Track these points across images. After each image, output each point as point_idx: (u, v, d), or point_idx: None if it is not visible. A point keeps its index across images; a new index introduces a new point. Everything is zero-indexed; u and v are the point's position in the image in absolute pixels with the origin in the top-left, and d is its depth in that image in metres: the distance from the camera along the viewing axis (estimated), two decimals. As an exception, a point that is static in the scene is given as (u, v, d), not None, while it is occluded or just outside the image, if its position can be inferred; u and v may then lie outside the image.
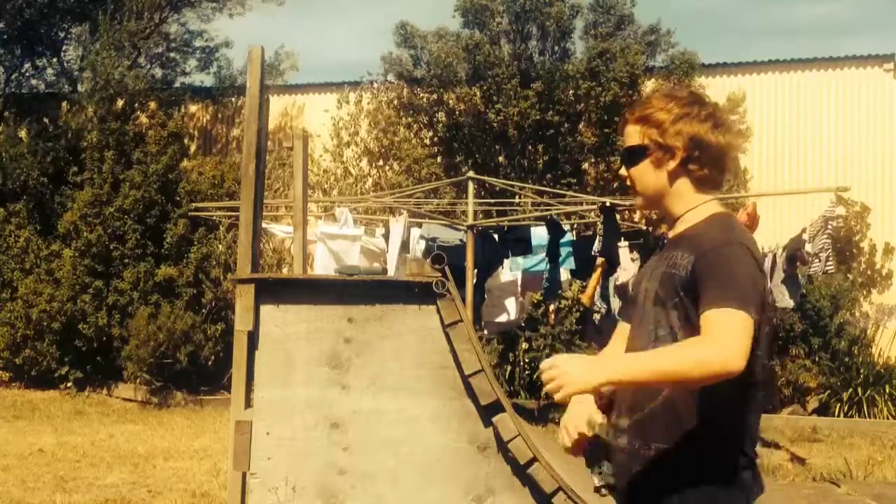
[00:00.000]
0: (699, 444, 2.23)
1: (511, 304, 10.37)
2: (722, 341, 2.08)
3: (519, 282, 10.29)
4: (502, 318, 10.41)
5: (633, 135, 2.38)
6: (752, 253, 2.26)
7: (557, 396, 2.08)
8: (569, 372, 2.06)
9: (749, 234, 2.37)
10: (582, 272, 9.62)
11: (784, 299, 8.99)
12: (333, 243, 8.96)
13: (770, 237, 11.19)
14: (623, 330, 2.51)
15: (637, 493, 2.31)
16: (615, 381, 2.11)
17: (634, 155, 2.38)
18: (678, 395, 2.23)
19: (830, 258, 8.02)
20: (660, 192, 2.37)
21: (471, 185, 9.50)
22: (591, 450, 2.30)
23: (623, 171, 2.44)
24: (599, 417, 2.29)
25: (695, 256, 2.23)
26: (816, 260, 8.02)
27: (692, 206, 2.35)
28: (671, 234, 2.42)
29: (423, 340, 3.53)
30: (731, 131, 2.37)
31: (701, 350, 2.09)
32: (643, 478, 2.28)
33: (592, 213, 10.07)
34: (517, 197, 11.81)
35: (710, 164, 2.34)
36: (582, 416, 2.31)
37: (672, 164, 2.33)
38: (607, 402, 2.34)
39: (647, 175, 2.37)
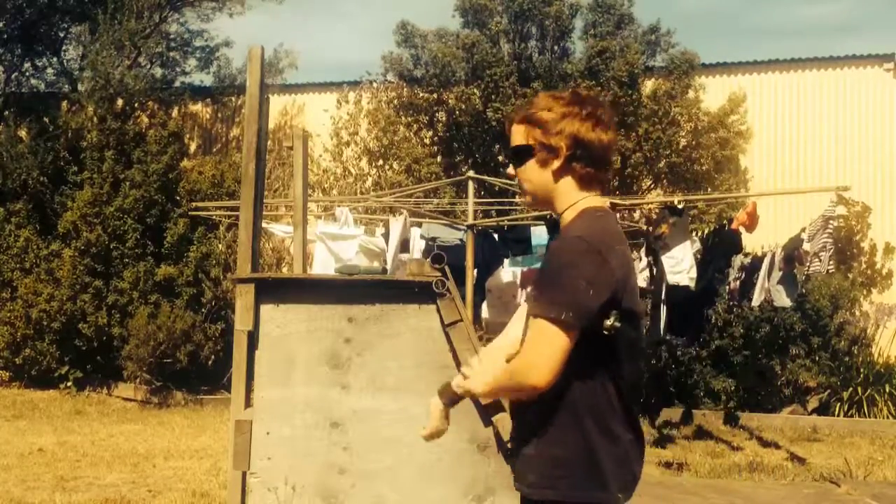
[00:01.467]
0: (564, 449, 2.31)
1: (511, 303, 10.37)
2: (526, 355, 2.21)
3: (519, 281, 10.29)
4: (502, 318, 10.41)
5: (518, 135, 2.42)
6: (600, 251, 2.22)
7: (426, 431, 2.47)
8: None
9: (613, 230, 2.37)
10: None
11: (781, 299, 8.99)
12: (333, 243, 8.97)
13: (770, 237, 11.20)
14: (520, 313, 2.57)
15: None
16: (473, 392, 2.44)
17: (521, 155, 2.42)
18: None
19: (830, 256, 8.02)
20: (547, 191, 2.41)
21: (471, 185, 9.50)
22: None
23: (511, 171, 2.47)
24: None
25: (546, 255, 2.35)
26: (817, 260, 8.01)
27: (570, 205, 2.39)
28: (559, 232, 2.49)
29: (423, 340, 3.53)
30: (613, 129, 2.42)
31: (517, 368, 2.22)
32: (521, 476, 2.37)
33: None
34: (517, 196, 11.79)
35: (593, 162, 2.38)
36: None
37: (556, 164, 2.37)
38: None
39: (533, 174, 2.40)
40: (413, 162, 13.39)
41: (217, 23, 24.91)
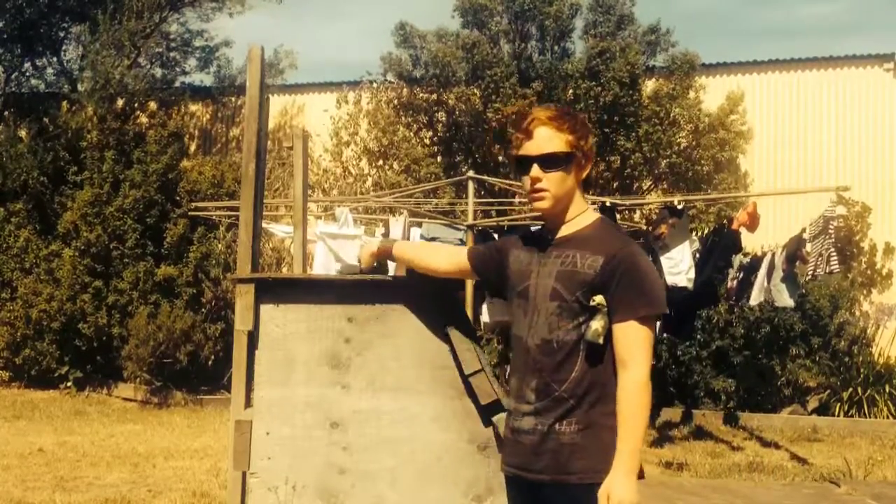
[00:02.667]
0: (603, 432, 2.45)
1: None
2: (639, 368, 2.38)
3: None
4: (502, 318, 10.41)
5: (556, 141, 2.48)
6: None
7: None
8: (626, 498, 2.34)
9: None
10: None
11: (783, 299, 8.98)
12: (333, 243, 8.97)
13: (770, 237, 11.21)
14: (451, 251, 2.94)
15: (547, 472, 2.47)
16: (637, 460, 2.40)
17: (557, 161, 2.49)
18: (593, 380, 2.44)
19: (833, 258, 8.01)
20: (569, 197, 2.53)
21: (470, 185, 9.50)
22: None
23: (536, 174, 2.50)
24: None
25: (604, 258, 2.42)
26: (820, 260, 8.01)
27: (583, 210, 2.57)
28: (558, 236, 2.56)
29: (424, 340, 3.53)
30: None
31: (638, 391, 2.38)
32: (555, 461, 2.45)
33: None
34: (517, 196, 11.80)
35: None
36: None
37: (583, 174, 2.56)
38: None
39: (562, 180, 2.50)
40: (412, 162, 13.39)
41: (217, 23, 24.90)
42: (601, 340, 2.42)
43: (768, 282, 8.89)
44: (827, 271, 8.22)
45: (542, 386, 2.46)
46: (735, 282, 9.32)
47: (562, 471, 2.44)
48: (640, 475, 2.52)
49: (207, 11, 16.42)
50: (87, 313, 12.66)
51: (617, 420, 2.40)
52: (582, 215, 2.55)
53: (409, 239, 9.52)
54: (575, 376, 2.44)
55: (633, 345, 2.39)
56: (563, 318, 2.45)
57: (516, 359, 2.58)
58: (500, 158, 13.57)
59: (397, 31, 14.02)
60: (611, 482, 2.37)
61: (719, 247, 8.74)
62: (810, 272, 8.37)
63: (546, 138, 2.47)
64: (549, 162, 2.47)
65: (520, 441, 2.52)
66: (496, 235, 10.07)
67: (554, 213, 2.55)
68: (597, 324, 2.42)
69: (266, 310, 3.59)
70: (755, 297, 9.06)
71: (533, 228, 2.92)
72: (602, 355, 2.45)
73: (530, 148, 2.49)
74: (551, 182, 2.49)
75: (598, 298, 2.42)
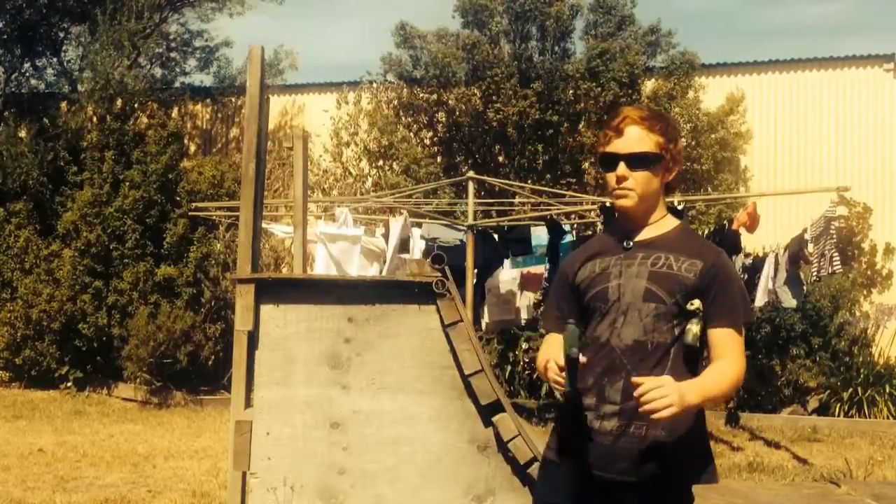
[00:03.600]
0: (691, 433, 2.46)
1: (511, 304, 10.37)
2: (741, 361, 2.47)
3: (518, 282, 10.29)
4: (502, 318, 10.41)
5: (647, 141, 2.49)
6: None
7: (666, 413, 2.26)
8: (673, 394, 2.26)
9: None
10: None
11: (788, 300, 8.96)
12: (334, 247, 8.96)
13: (771, 237, 11.19)
14: (554, 341, 2.56)
15: (633, 477, 2.43)
16: (700, 403, 2.38)
17: (646, 161, 2.49)
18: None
19: (836, 259, 8.01)
20: (654, 198, 2.54)
21: (471, 185, 9.50)
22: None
23: (623, 172, 2.49)
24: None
25: (703, 263, 2.46)
26: (823, 261, 8.01)
27: (665, 214, 2.58)
28: (639, 237, 2.55)
29: (423, 340, 3.53)
30: None
31: (738, 372, 2.46)
32: (640, 461, 2.41)
33: (592, 213, 10.06)
34: (517, 197, 11.81)
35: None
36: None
37: (669, 177, 2.55)
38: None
39: (649, 180, 2.50)
40: (412, 162, 13.39)
41: (217, 23, 24.97)
42: (698, 344, 2.45)
43: (773, 283, 8.88)
44: (830, 272, 8.22)
45: (631, 387, 2.38)
46: (739, 283, 9.30)
47: (647, 471, 2.40)
48: (711, 476, 2.52)
49: (207, 12, 16.42)
50: (87, 313, 12.65)
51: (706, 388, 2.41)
52: (664, 219, 2.56)
53: (408, 239, 9.51)
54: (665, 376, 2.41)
55: (731, 349, 2.47)
56: (659, 321, 2.44)
57: (594, 360, 2.48)
58: (501, 159, 13.56)
59: (397, 31, 14.02)
60: (674, 382, 2.30)
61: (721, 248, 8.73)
62: (815, 273, 8.37)
63: (636, 138, 2.47)
64: (638, 161, 2.47)
65: (597, 441, 2.45)
66: (496, 236, 10.06)
67: (636, 213, 2.54)
68: (696, 327, 2.44)
69: (266, 310, 3.60)
70: (760, 299, 9.05)
71: (595, 234, 2.86)
72: (696, 359, 2.49)
73: (619, 146, 2.49)
74: (637, 181, 2.48)
75: (696, 303, 2.45)
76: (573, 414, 2.50)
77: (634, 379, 2.31)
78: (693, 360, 2.48)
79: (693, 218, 11.74)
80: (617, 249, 2.55)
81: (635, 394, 2.28)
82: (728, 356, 2.45)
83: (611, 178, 2.52)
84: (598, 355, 2.49)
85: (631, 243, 2.54)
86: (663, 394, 2.25)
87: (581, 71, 13.19)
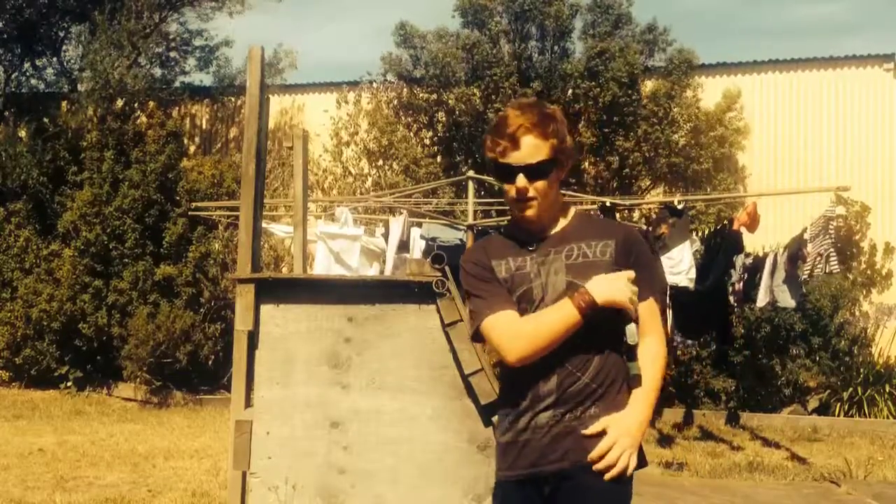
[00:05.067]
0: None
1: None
2: (662, 333, 2.55)
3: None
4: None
5: (543, 149, 2.44)
6: None
7: (633, 461, 2.40)
8: (623, 439, 2.38)
9: None
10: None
11: (786, 299, 8.97)
12: (333, 243, 8.96)
13: (770, 237, 11.20)
14: (514, 315, 2.53)
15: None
16: (650, 415, 2.48)
17: (545, 170, 2.45)
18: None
19: (833, 258, 8.01)
20: (555, 199, 2.54)
21: (470, 185, 9.50)
22: None
23: (523, 184, 2.45)
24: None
25: (614, 241, 2.49)
26: (819, 260, 8.01)
27: (561, 208, 2.58)
28: (549, 233, 2.55)
29: (423, 340, 3.53)
30: None
31: (664, 348, 2.54)
32: (578, 443, 2.45)
33: (592, 213, 10.05)
34: (517, 209, 11.79)
35: None
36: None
37: (563, 173, 2.54)
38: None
39: (549, 187, 2.48)
40: (412, 162, 13.39)
41: (217, 22, 24.95)
42: (634, 340, 2.48)
43: (772, 282, 8.89)
44: (826, 271, 8.21)
45: (564, 377, 2.43)
46: (741, 283, 9.31)
47: (585, 453, 2.41)
48: (643, 462, 2.50)
49: (207, 11, 16.42)
50: (86, 313, 12.65)
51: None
52: (562, 210, 2.58)
53: (408, 239, 9.51)
54: (597, 364, 2.45)
55: (651, 318, 2.51)
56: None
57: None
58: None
59: (397, 31, 14.03)
60: (617, 419, 2.41)
61: (723, 249, 8.74)
62: (808, 271, 8.37)
63: (532, 147, 2.43)
64: (537, 172, 2.45)
65: (532, 440, 2.46)
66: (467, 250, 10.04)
67: (541, 219, 2.53)
68: (632, 324, 2.47)
69: (266, 310, 3.59)
70: (762, 299, 9.05)
71: (495, 231, 2.80)
72: (624, 343, 2.49)
73: (516, 157, 2.44)
74: (539, 190, 2.46)
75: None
76: (510, 423, 2.53)
77: (591, 456, 2.38)
78: (620, 344, 2.49)
79: (693, 217, 11.74)
80: (531, 248, 2.54)
81: (594, 468, 2.37)
82: (653, 332, 2.51)
83: (510, 189, 2.48)
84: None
85: (536, 245, 2.53)
86: (619, 450, 2.36)
87: (580, 70, 13.20)
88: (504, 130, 2.44)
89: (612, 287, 2.40)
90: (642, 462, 2.50)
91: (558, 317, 2.40)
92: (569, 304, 2.40)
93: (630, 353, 2.47)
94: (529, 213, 2.50)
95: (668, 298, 8.29)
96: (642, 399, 2.46)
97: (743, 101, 14.13)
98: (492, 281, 2.54)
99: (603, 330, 2.44)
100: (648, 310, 2.50)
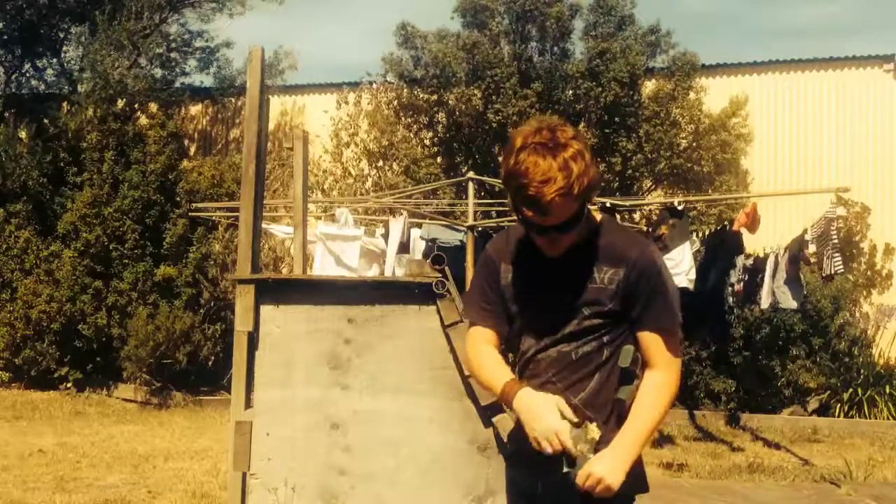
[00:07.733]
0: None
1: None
2: (668, 362, 2.41)
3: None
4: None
5: (572, 206, 2.32)
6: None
7: (621, 483, 2.34)
8: (607, 477, 2.31)
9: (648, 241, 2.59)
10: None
11: (787, 301, 8.96)
12: (333, 244, 8.96)
13: (771, 238, 11.19)
14: (486, 337, 2.55)
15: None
16: (637, 452, 2.41)
17: (577, 220, 2.37)
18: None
19: (837, 259, 8.01)
20: (582, 226, 2.41)
21: (471, 186, 9.49)
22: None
23: (554, 237, 2.38)
24: (595, 431, 2.35)
25: (624, 270, 2.39)
26: (826, 259, 8.01)
27: (586, 219, 2.44)
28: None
29: (423, 341, 3.53)
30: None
31: (671, 389, 2.42)
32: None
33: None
34: (543, 245, 11.79)
35: None
36: (564, 428, 2.33)
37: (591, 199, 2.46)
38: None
39: (577, 230, 2.40)
40: (412, 163, 13.38)
41: (217, 23, 24.86)
42: (635, 364, 2.42)
43: (773, 283, 8.88)
44: (833, 272, 8.21)
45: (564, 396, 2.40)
46: (741, 284, 9.30)
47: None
48: (644, 488, 2.48)
49: (207, 12, 16.40)
50: (86, 314, 12.65)
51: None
52: (587, 220, 2.44)
53: (408, 240, 9.51)
54: (593, 387, 2.41)
55: (656, 351, 2.42)
56: (584, 332, 2.41)
57: (522, 371, 2.51)
58: (501, 159, 13.53)
59: (398, 31, 14.02)
60: (597, 462, 2.31)
61: (723, 250, 8.73)
62: (824, 274, 8.36)
63: (562, 208, 2.30)
64: (568, 225, 2.36)
65: (531, 450, 2.43)
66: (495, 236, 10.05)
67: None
68: (629, 346, 2.41)
69: (266, 311, 3.59)
70: (765, 300, 9.03)
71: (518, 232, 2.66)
72: (625, 370, 2.43)
73: (547, 221, 2.34)
74: (569, 238, 2.40)
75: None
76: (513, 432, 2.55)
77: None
78: (618, 371, 2.43)
79: (693, 219, 11.73)
80: (536, 261, 2.48)
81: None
82: (657, 365, 2.41)
83: (537, 237, 2.42)
84: (525, 367, 2.50)
85: (556, 255, 2.46)
86: (605, 486, 2.31)
87: (581, 71, 13.19)
88: (530, 194, 2.27)
89: (536, 415, 2.34)
90: (642, 487, 2.48)
91: (489, 382, 2.49)
92: (501, 388, 2.43)
93: (624, 376, 2.42)
94: (556, 252, 2.43)
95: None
96: (628, 435, 2.37)
97: (747, 108, 14.09)
98: (492, 287, 2.55)
99: (603, 353, 2.41)
100: (652, 342, 2.41)
